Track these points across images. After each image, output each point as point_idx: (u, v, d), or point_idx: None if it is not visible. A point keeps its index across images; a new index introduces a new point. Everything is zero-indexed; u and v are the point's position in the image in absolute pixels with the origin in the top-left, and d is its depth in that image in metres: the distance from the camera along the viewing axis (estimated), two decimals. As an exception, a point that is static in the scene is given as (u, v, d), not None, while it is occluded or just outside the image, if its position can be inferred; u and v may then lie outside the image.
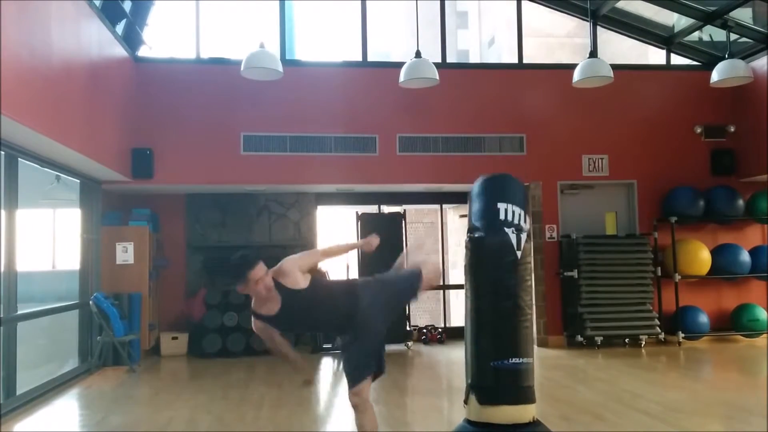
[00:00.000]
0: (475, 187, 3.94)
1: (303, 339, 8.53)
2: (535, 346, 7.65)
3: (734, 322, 8.59)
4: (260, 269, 3.30)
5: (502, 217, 3.74)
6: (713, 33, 8.75)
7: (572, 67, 7.10)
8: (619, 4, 8.60)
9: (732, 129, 8.79)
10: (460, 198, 9.39)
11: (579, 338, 8.11)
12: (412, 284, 3.75)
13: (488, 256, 3.72)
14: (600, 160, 8.70)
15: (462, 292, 3.95)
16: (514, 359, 3.63)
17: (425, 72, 6.70)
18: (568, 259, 8.35)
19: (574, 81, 6.95)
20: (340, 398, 5.64)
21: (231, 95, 8.09)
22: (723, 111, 8.84)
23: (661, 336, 8.22)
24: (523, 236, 3.73)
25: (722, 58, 7.32)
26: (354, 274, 8.98)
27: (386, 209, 10.23)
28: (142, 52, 8.21)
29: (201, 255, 8.93)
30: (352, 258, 9.05)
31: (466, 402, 3.78)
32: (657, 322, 8.15)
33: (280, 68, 6.53)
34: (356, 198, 9.41)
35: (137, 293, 7.68)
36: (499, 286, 3.69)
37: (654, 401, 5.26)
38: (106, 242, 7.66)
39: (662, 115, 8.82)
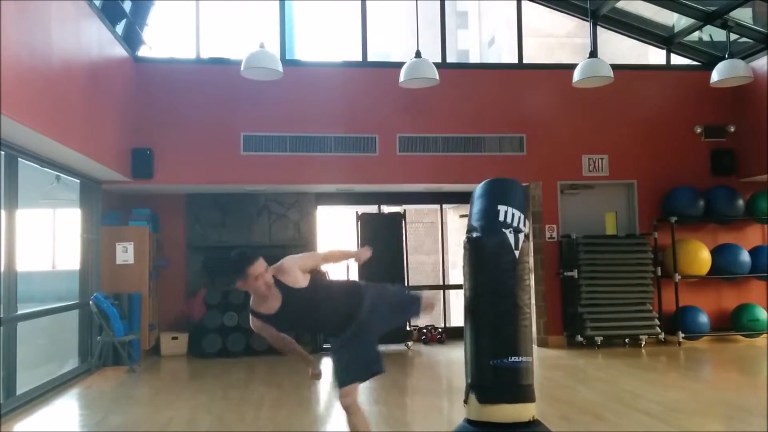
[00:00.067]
0: (477, 189, 3.97)
1: (303, 339, 8.53)
2: (535, 346, 7.66)
3: (734, 322, 8.58)
4: (260, 265, 3.27)
5: (501, 218, 3.75)
6: (713, 33, 8.75)
7: (572, 67, 7.10)
8: (619, 4, 8.60)
9: (732, 129, 8.79)
10: (460, 198, 9.39)
11: (579, 338, 8.11)
12: (412, 303, 3.83)
13: (487, 256, 3.73)
14: (600, 160, 8.70)
15: (462, 292, 3.96)
16: (513, 358, 3.64)
17: (425, 72, 6.70)
18: (568, 259, 8.35)
19: (574, 81, 6.95)
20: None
21: (231, 95, 8.09)
22: (723, 111, 8.84)
23: (661, 336, 8.22)
24: (521, 236, 3.74)
25: (722, 58, 7.32)
26: (354, 274, 8.98)
27: (386, 209, 10.23)
28: (142, 52, 8.21)
29: (201, 255, 8.93)
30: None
31: (465, 401, 3.78)
32: (657, 322, 8.15)
33: (280, 68, 6.53)
34: (356, 198, 9.41)
35: (137, 293, 7.68)
36: (498, 285, 3.70)
37: (654, 401, 5.26)
38: (106, 242, 7.66)
39: (662, 115, 8.82)
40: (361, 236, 8.85)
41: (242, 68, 6.50)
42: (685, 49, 9.11)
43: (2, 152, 5.28)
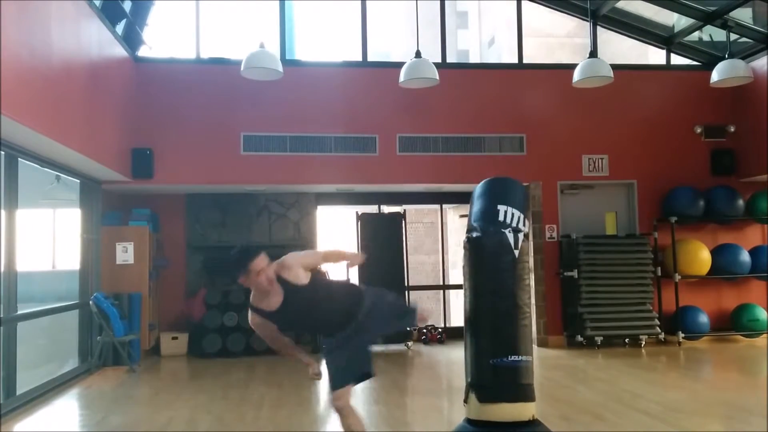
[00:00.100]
0: (477, 189, 3.98)
1: (303, 339, 8.53)
2: (535, 346, 7.66)
3: (734, 322, 8.58)
4: (262, 260, 3.27)
5: (501, 218, 3.76)
6: (713, 33, 8.75)
7: (572, 67, 7.11)
8: (619, 4, 8.60)
9: (732, 129, 8.79)
10: (460, 198, 9.39)
11: (579, 338, 8.11)
12: (408, 313, 3.85)
13: (486, 255, 3.73)
14: (600, 160, 8.70)
15: (462, 292, 3.96)
16: (513, 357, 3.64)
17: (425, 72, 6.71)
18: (568, 259, 8.35)
19: (574, 81, 6.95)
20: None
21: (231, 95, 8.09)
22: (723, 111, 8.84)
23: (661, 336, 8.22)
24: (521, 236, 3.74)
25: (722, 58, 7.32)
26: (354, 274, 8.98)
27: (386, 209, 10.23)
28: (142, 52, 8.21)
29: (201, 255, 8.93)
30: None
31: (465, 401, 3.78)
32: (657, 322, 8.15)
33: (280, 68, 6.53)
34: (356, 198, 9.41)
35: (137, 293, 7.68)
36: (498, 285, 3.70)
37: (654, 401, 5.26)
38: (106, 242, 7.66)
39: (662, 115, 8.82)
40: (361, 236, 8.85)
41: (242, 68, 6.50)
42: (685, 49, 9.11)
43: (2, 152, 5.28)
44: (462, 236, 3.94)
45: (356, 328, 3.47)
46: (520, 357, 3.66)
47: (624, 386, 5.91)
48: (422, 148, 8.37)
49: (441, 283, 11.30)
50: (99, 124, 6.63)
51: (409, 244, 9.29)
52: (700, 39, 9.12)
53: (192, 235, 8.99)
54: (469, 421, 3.75)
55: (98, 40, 6.62)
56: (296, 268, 3.38)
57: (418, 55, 6.73)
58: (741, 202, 8.55)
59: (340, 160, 8.23)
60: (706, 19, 8.32)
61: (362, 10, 8.58)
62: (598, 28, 8.94)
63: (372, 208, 9.60)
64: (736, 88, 8.03)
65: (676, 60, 9.20)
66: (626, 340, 8.32)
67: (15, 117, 4.53)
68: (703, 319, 8.40)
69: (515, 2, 8.94)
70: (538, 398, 3.83)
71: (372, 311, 3.52)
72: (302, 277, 3.38)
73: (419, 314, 3.87)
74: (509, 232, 3.72)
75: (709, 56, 8.92)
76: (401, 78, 6.83)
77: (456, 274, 13.47)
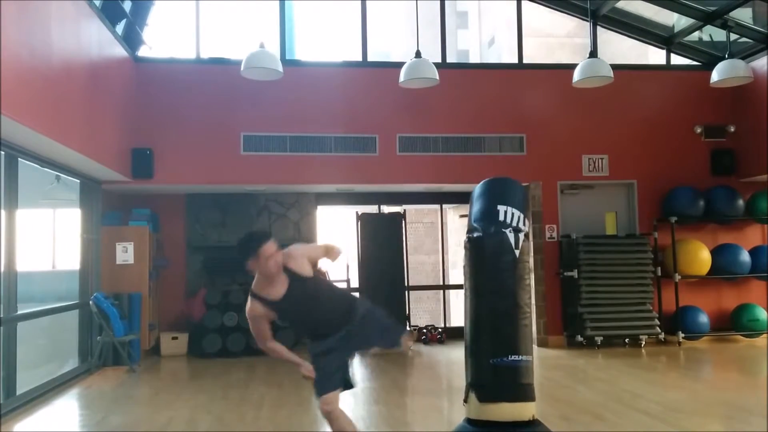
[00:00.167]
0: (476, 189, 3.97)
1: (303, 339, 8.54)
2: (535, 346, 7.65)
3: (734, 322, 8.58)
4: (272, 245, 3.26)
5: (501, 218, 3.76)
6: (713, 33, 8.75)
7: (572, 67, 7.11)
8: (619, 4, 8.60)
9: (732, 129, 8.79)
10: (460, 198, 9.39)
11: (579, 338, 8.10)
12: (395, 331, 3.75)
13: (487, 255, 3.73)
14: (600, 160, 8.70)
15: (462, 293, 3.96)
16: (513, 357, 3.64)
17: (425, 72, 6.71)
18: (568, 259, 8.34)
19: (574, 81, 6.95)
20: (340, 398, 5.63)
21: (231, 95, 8.09)
22: (723, 111, 8.84)
23: (661, 336, 8.22)
24: (521, 236, 3.74)
25: (722, 58, 7.32)
26: (354, 275, 9.00)
27: (386, 209, 10.23)
28: (142, 52, 8.21)
29: (201, 255, 8.93)
30: (352, 258, 9.06)
31: (465, 401, 3.78)
32: (657, 322, 8.15)
33: (280, 68, 6.53)
34: (356, 198, 9.41)
35: (137, 293, 7.68)
36: (498, 284, 3.70)
37: (654, 401, 5.26)
38: (106, 242, 7.66)
39: (662, 115, 8.82)
40: (361, 236, 8.85)
41: (242, 68, 6.50)
42: (685, 49, 9.11)
43: (2, 152, 5.29)
44: (462, 236, 3.93)
45: (350, 332, 3.47)
46: (520, 357, 3.66)
47: (624, 386, 5.91)
48: (422, 148, 8.37)
49: (441, 283, 11.31)
50: (99, 124, 6.64)
51: (409, 244, 9.29)
52: (700, 39, 9.12)
53: (192, 235, 8.99)
54: (469, 420, 3.75)
55: (98, 40, 6.62)
56: (301, 258, 3.40)
57: (418, 55, 6.73)
58: (741, 202, 8.55)
59: (340, 160, 8.23)
60: (706, 19, 8.32)
61: (362, 10, 8.58)
62: (598, 28, 8.94)
63: (372, 208, 9.60)
64: (736, 88, 8.03)
65: (676, 60, 9.20)
66: (626, 340, 8.32)
67: (15, 117, 4.53)
68: (703, 319, 8.40)
69: (515, 2, 8.94)
70: (538, 398, 3.83)
71: (366, 318, 3.54)
72: (307, 269, 3.40)
73: (405, 336, 3.80)
74: (510, 231, 3.72)
75: (709, 56, 8.92)
76: (401, 78, 6.83)
77: (456, 274, 13.49)
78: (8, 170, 5.43)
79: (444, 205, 10.15)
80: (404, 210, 9.50)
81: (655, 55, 9.74)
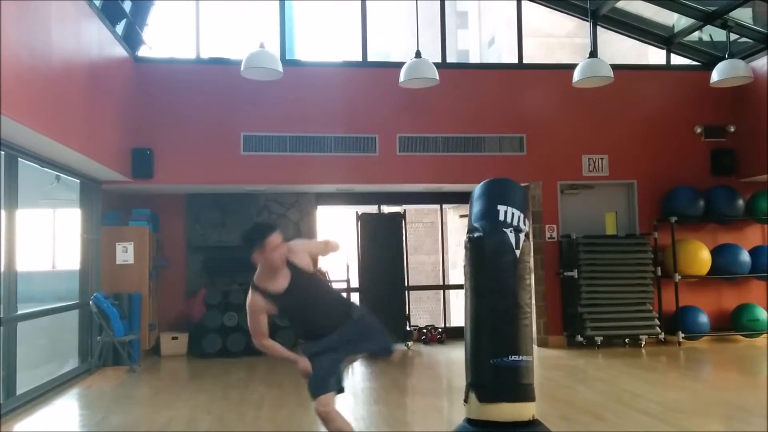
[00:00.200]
0: (476, 190, 3.98)
1: (299, 340, 8.53)
2: (535, 346, 7.65)
3: (734, 322, 8.58)
4: (278, 237, 3.29)
5: (501, 218, 3.76)
6: (713, 33, 8.75)
7: (572, 67, 7.10)
8: (619, 4, 8.60)
9: (732, 129, 8.79)
10: (460, 198, 9.39)
11: (579, 338, 8.10)
12: (387, 340, 3.70)
13: (488, 255, 3.73)
14: (600, 160, 8.70)
15: (462, 293, 3.96)
16: (513, 357, 3.64)
17: (425, 72, 6.70)
18: (568, 259, 8.34)
19: (574, 81, 6.95)
20: (340, 398, 5.63)
21: (231, 95, 8.09)
22: (723, 111, 8.84)
23: (661, 336, 8.22)
24: (522, 236, 3.74)
25: (722, 58, 7.32)
26: (354, 275, 8.99)
27: (386, 209, 10.23)
28: (142, 52, 8.21)
29: (201, 255, 8.93)
30: (352, 258, 9.06)
31: (466, 400, 3.78)
32: (657, 322, 8.15)
33: (280, 68, 6.53)
34: (356, 198, 9.41)
35: (137, 293, 7.68)
36: (499, 284, 3.70)
37: (654, 401, 5.26)
38: (106, 242, 7.66)
39: (662, 115, 8.82)
40: (361, 236, 8.84)
41: (242, 68, 6.50)
42: (685, 49, 9.11)
43: (2, 152, 5.28)
44: (462, 236, 3.94)
45: (344, 333, 3.47)
46: (520, 357, 3.66)
47: (624, 386, 5.91)
48: (422, 148, 8.37)
49: (441, 283, 11.31)
50: (99, 124, 6.64)
51: (409, 244, 9.29)
52: (700, 39, 9.12)
53: (192, 235, 8.99)
54: (469, 420, 3.75)
55: (98, 40, 6.62)
56: (303, 253, 3.44)
57: (418, 55, 6.73)
58: (741, 202, 8.55)
59: (340, 160, 8.23)
60: (706, 19, 8.32)
61: (362, 10, 8.58)
62: (598, 28, 8.94)
63: (372, 208, 9.60)
64: (736, 88, 8.03)
65: (676, 60, 9.20)
66: (626, 340, 8.32)
67: (15, 117, 4.53)
68: (703, 319, 8.40)
69: (515, 2, 8.94)
70: (538, 398, 3.83)
71: (360, 322, 3.56)
72: (308, 264, 3.43)
73: (396, 345, 3.80)
74: (511, 231, 3.72)
75: (709, 56, 8.91)
76: (401, 78, 6.83)
77: (456, 274, 13.49)
78: (8, 170, 5.43)
79: (444, 205, 10.15)
80: (404, 210, 9.50)
81: (655, 55, 9.74)
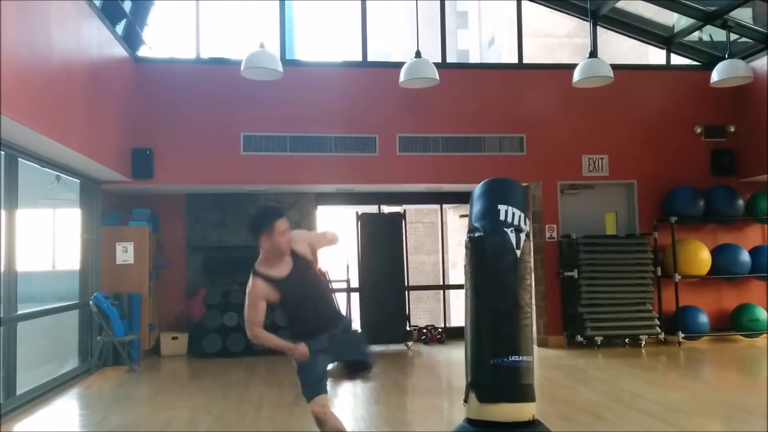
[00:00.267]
0: (476, 190, 3.98)
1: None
2: (535, 346, 7.64)
3: (734, 322, 8.58)
4: (286, 222, 3.34)
5: (502, 218, 3.76)
6: (713, 33, 8.75)
7: (572, 67, 7.10)
8: (619, 4, 8.60)
9: (732, 129, 8.79)
10: (460, 198, 9.39)
11: (579, 338, 8.10)
12: (366, 350, 3.71)
13: (488, 255, 3.72)
14: (600, 160, 8.70)
15: (462, 293, 3.96)
16: (513, 357, 3.64)
17: (425, 72, 6.70)
18: (568, 259, 8.34)
19: (574, 81, 6.95)
20: (340, 398, 5.64)
21: (231, 95, 8.09)
22: (723, 111, 8.84)
23: (661, 336, 8.22)
24: (523, 236, 3.74)
25: (722, 58, 7.32)
26: (354, 275, 8.99)
27: (386, 209, 10.23)
28: (142, 52, 8.21)
29: (201, 255, 8.93)
30: (352, 258, 9.06)
31: (466, 401, 3.78)
32: (657, 322, 8.15)
33: (280, 68, 6.53)
34: (356, 198, 9.41)
35: (137, 293, 7.68)
36: (499, 284, 3.70)
37: (654, 401, 5.26)
38: (106, 242, 7.66)
39: (662, 115, 8.82)
40: (361, 236, 8.85)
41: (242, 68, 6.50)
42: (685, 49, 9.11)
43: (2, 152, 5.28)
44: (462, 236, 3.94)
45: (335, 336, 3.47)
46: (520, 357, 3.65)
47: (624, 386, 5.91)
48: (422, 148, 8.37)
49: (441, 283, 11.31)
50: (99, 124, 6.63)
51: (409, 244, 9.29)
52: (700, 39, 9.12)
53: (192, 235, 8.99)
54: (469, 421, 3.75)
55: (98, 40, 6.62)
56: (303, 243, 3.50)
57: (418, 55, 6.72)
58: (741, 202, 8.55)
59: (340, 160, 8.23)
60: (706, 19, 8.32)
61: (362, 10, 8.58)
62: (598, 28, 8.94)
63: (372, 208, 9.60)
64: (736, 88, 8.03)
65: (676, 60, 9.20)
66: (626, 340, 8.32)
67: (15, 117, 4.53)
68: (703, 319, 8.40)
69: (515, 2, 8.94)
70: (538, 398, 3.83)
71: (346, 332, 3.58)
72: (308, 253, 3.49)
73: (372, 366, 3.76)
74: (511, 231, 3.71)
75: (709, 56, 8.91)
76: (401, 78, 6.83)
77: (456, 274, 13.50)
78: (8, 170, 5.43)
79: (444, 205, 10.15)
80: (404, 210, 9.50)
81: (655, 55, 9.74)
